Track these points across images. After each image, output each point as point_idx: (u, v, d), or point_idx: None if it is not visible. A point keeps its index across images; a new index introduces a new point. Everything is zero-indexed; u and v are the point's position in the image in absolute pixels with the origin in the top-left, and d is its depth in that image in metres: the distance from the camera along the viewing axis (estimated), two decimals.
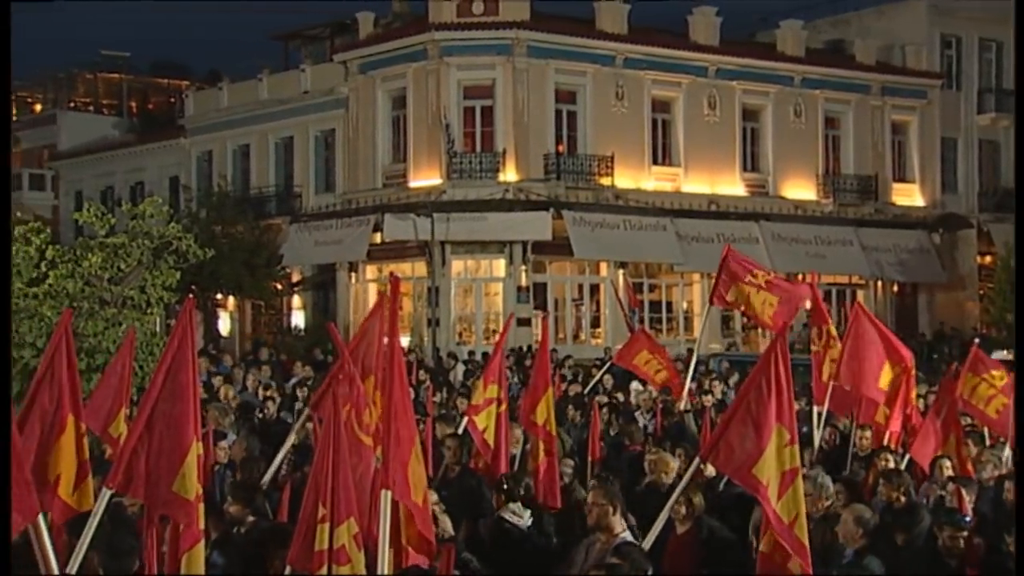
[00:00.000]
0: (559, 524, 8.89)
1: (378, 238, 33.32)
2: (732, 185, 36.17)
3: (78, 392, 6.37)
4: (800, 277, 33.85)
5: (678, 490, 7.24)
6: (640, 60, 34.56)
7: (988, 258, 39.98)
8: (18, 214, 14.06)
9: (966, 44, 40.78)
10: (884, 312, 35.50)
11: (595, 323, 34.62)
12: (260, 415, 14.82)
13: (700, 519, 7.98)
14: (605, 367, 19.17)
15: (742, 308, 13.56)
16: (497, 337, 22.49)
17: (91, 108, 51.74)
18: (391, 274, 13.25)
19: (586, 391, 17.79)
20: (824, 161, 37.88)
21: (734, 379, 19.71)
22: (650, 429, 13.84)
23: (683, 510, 7.81)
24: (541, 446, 9.53)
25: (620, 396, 17.60)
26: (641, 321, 28.89)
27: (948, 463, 10.23)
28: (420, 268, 32.84)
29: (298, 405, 15.20)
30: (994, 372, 11.72)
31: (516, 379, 20.32)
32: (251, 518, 7.72)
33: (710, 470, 8.72)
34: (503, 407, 9.72)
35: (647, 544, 6.97)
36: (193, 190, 39.24)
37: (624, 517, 7.53)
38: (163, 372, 6.10)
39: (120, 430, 7.87)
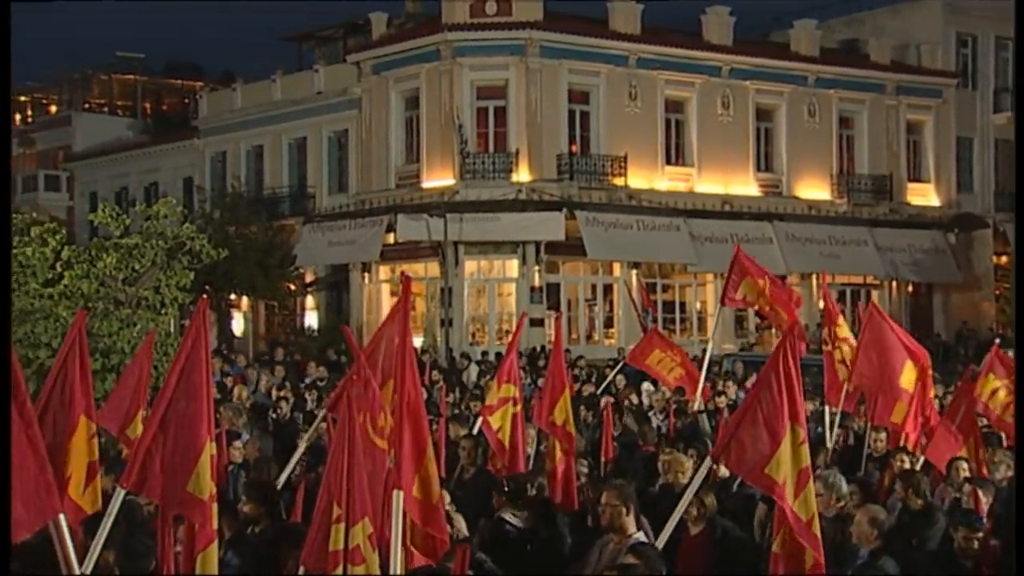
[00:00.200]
0: (572, 524, 8.86)
1: (391, 238, 33.32)
2: (746, 185, 36.07)
3: (90, 392, 6.40)
4: (814, 277, 33.84)
5: (689, 491, 7.21)
6: (653, 60, 34.50)
7: (1004, 258, 39.80)
8: (34, 215, 14.11)
9: (982, 43, 40.54)
10: (899, 312, 35.37)
11: (608, 323, 34.57)
12: (274, 415, 14.85)
13: (713, 520, 7.96)
14: (618, 367, 19.17)
15: (754, 305, 13.53)
16: (510, 338, 22.46)
17: (106, 109, 51.94)
18: (402, 274, 13.19)
19: (599, 391, 17.77)
20: (838, 161, 37.73)
21: (750, 381, 19.61)
22: (663, 430, 13.81)
23: (695, 511, 7.79)
24: (559, 446, 9.44)
25: (633, 398, 17.57)
26: (655, 321, 28.81)
27: (965, 465, 10.17)
28: (433, 268, 32.85)
29: (308, 407, 15.21)
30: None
31: (529, 380, 20.29)
32: (265, 518, 7.72)
33: (724, 471, 8.69)
34: (518, 407, 9.67)
35: (659, 545, 6.95)
36: (207, 191, 39.33)
37: (638, 518, 7.51)
38: (177, 372, 6.13)
39: (137, 432, 7.86)
